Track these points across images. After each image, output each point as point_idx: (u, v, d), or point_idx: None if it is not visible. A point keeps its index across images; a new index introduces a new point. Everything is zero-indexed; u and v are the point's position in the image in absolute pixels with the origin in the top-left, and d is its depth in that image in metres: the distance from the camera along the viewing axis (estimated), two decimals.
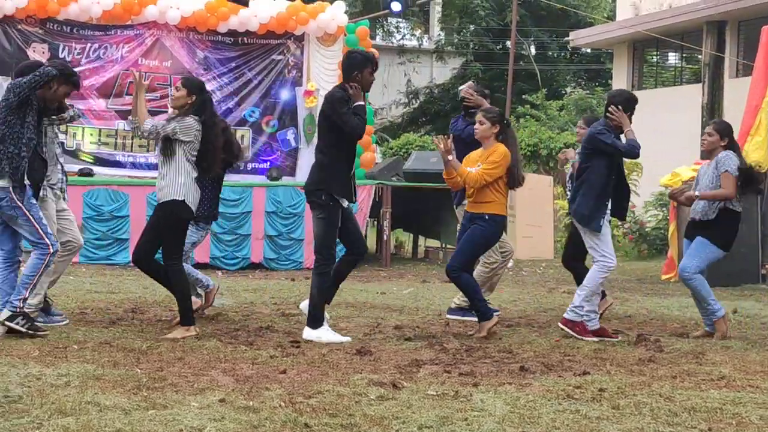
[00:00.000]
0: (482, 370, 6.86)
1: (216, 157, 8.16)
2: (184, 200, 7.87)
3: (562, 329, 8.44)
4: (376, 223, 17.26)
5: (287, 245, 14.62)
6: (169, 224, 7.98)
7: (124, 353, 7.15)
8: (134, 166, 16.01)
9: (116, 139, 15.71)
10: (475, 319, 8.74)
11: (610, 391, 6.20)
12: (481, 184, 8.35)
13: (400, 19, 32.67)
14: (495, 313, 8.69)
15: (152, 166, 15.79)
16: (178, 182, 7.87)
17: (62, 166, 8.58)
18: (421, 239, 18.28)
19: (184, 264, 8.90)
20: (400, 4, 15.41)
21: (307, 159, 15.74)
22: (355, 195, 8.38)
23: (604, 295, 9.38)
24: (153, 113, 16.00)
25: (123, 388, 5.95)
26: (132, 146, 15.83)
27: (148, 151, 15.74)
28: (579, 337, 8.29)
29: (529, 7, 29.52)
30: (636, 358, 7.50)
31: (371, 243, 17.56)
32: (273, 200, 14.69)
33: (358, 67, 8.15)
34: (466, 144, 9.21)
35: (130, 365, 6.70)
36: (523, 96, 27.56)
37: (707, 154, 8.90)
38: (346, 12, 17.23)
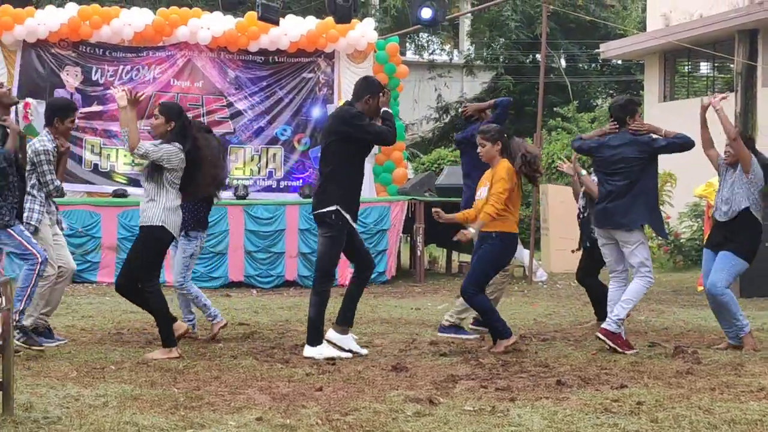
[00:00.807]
0: (519, 385, 6.84)
1: (201, 182, 8.17)
2: (162, 225, 7.87)
3: (602, 340, 8.39)
4: (409, 239, 17.24)
5: None
6: (147, 246, 7.97)
7: (161, 373, 7.19)
8: None
9: None
10: (469, 336, 9.02)
11: (648, 404, 6.16)
12: (497, 212, 8.25)
13: (429, 35, 32.67)
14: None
15: None
16: (160, 207, 7.88)
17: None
18: (455, 254, 18.24)
19: (193, 289, 8.97)
20: (431, 10, 15.35)
21: None
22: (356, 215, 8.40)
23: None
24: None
25: (161, 407, 5.98)
26: None
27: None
28: (619, 350, 8.25)
29: (559, 20, 29.42)
30: (674, 370, 7.45)
31: (405, 259, 17.56)
32: (306, 218, 14.68)
33: (372, 92, 8.26)
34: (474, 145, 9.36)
35: (167, 385, 6.73)
36: (554, 109, 27.44)
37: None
38: (375, 28, 17.27)
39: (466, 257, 18.20)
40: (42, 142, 8.34)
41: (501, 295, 9.61)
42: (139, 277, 8.01)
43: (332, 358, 7.89)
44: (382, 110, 8.19)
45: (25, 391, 6.33)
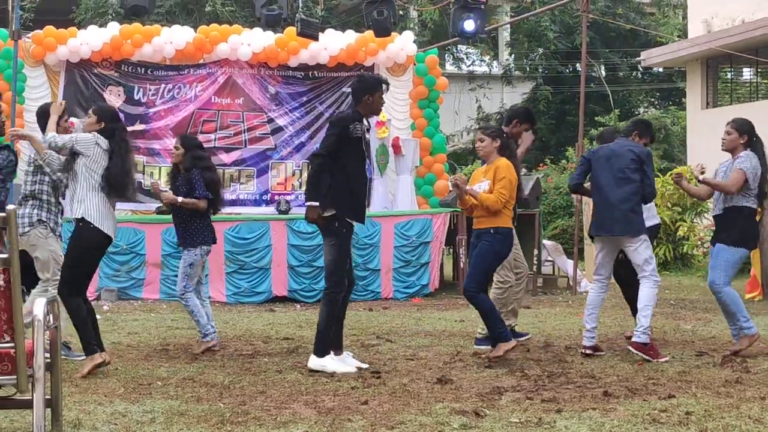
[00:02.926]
0: (565, 396, 6.80)
1: (121, 182, 8.00)
2: (92, 222, 7.82)
3: (635, 353, 8.40)
4: (451, 250, 17.21)
5: (364, 276, 14.61)
6: (77, 246, 7.89)
7: (207, 388, 7.22)
8: None
9: None
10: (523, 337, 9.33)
11: (697, 415, 6.10)
12: (502, 205, 8.27)
13: (469, 47, 32.61)
14: (525, 337, 9.32)
15: (227, 203, 15.96)
16: (83, 198, 7.86)
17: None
18: None
19: (191, 302, 9.12)
20: (474, 23, 15.31)
21: (381, 189, 15.78)
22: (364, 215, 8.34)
23: None
24: (227, 150, 16.24)
25: (207, 423, 6.00)
26: None
27: (222, 187, 15.89)
28: (652, 360, 8.26)
29: (598, 29, 29.31)
30: (722, 379, 7.38)
31: (448, 271, 17.53)
32: None
33: (370, 91, 8.15)
34: None
35: (213, 400, 6.76)
36: (596, 118, 27.33)
37: (729, 152, 8.80)
38: (414, 41, 17.28)
39: None
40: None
41: (518, 303, 9.70)
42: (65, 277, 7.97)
43: (341, 373, 7.85)
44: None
45: (74, 408, 6.38)
